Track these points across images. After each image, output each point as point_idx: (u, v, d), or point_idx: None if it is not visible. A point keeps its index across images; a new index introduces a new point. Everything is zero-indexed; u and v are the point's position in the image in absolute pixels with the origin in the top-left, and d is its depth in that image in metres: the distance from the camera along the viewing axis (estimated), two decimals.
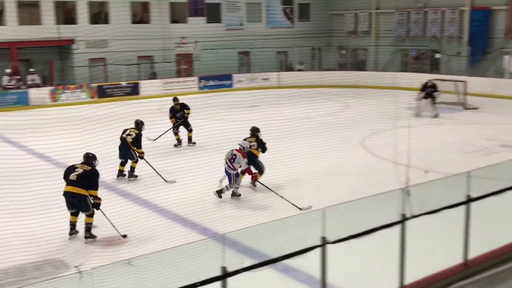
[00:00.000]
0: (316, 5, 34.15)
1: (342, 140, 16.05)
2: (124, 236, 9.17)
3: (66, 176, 9.35)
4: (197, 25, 30.09)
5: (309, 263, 5.88)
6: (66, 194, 9.19)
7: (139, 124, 13.11)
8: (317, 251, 5.77)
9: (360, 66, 32.85)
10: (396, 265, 6.61)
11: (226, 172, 11.12)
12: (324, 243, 5.73)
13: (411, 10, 30.53)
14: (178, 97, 16.83)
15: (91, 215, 9.21)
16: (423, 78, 25.66)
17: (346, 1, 33.29)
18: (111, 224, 9.15)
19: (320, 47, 33.51)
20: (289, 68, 32.79)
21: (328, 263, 5.85)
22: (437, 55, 30.02)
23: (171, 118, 16.08)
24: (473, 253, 7.40)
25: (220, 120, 18.51)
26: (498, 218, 9.03)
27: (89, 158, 9.57)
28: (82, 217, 9.33)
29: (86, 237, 9.21)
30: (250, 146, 11.51)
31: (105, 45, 27.77)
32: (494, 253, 7.68)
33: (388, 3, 31.48)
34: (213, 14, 31.20)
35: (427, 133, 17.67)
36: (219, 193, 11.09)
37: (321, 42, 33.44)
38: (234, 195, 11.27)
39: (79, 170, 9.28)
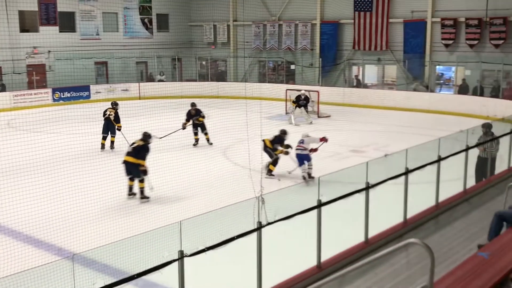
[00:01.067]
0: (174, 16, 34.11)
1: (204, 151, 16.17)
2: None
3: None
4: (49, 34, 28.52)
5: (170, 277, 5.86)
6: (124, 162, 11.72)
7: (114, 104, 17.47)
8: (176, 265, 5.75)
9: (220, 76, 33.42)
10: (255, 272, 6.75)
11: (298, 157, 13.49)
12: (181, 256, 5.75)
13: (267, 22, 31.72)
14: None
15: (141, 181, 11.47)
16: (280, 88, 26.90)
17: (204, 13, 33.64)
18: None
19: (180, 58, 33.56)
20: (150, 79, 32.39)
21: (189, 275, 5.88)
22: (292, 67, 31.50)
23: (186, 121, 18.01)
24: (325, 255, 7.75)
25: (76, 134, 17.74)
26: (347, 220, 9.59)
27: (145, 136, 12.13)
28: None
29: (141, 198, 11.39)
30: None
31: None
32: (344, 254, 8.12)
33: (245, 16, 32.38)
34: (67, 23, 29.85)
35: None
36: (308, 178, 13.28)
37: (181, 52, 33.49)
38: (309, 176, 13.37)
39: (135, 144, 11.90)
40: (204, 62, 34.03)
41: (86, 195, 11.63)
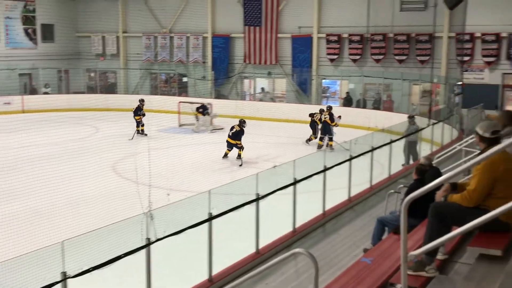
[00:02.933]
0: (60, 26, 32.71)
1: (92, 165, 15.63)
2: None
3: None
4: None
5: None
6: (226, 141, 17.72)
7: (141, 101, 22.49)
8: (59, 286, 5.58)
9: (110, 89, 32.56)
10: None
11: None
12: (64, 278, 5.59)
13: (158, 34, 31.41)
14: None
15: (240, 150, 17.46)
16: (173, 101, 26.68)
17: (92, 24, 32.61)
18: None
19: (67, 70, 32.28)
20: (34, 91, 30.83)
21: None
22: (185, 79, 31.43)
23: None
24: (217, 268, 7.84)
25: None
26: (239, 232, 9.67)
27: (241, 122, 17.88)
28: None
29: (237, 158, 17.40)
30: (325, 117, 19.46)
31: None
32: (236, 266, 8.24)
33: (135, 27, 31.83)
34: None
35: (179, 154, 18.29)
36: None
37: (68, 64, 32.20)
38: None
39: (234, 129, 17.58)
40: (92, 74, 32.99)
41: None
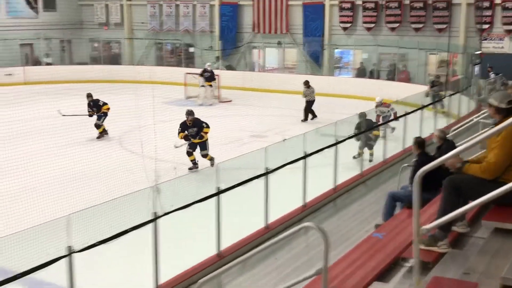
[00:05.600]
0: None
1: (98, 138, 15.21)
2: None
3: None
4: None
5: (61, 275, 5.62)
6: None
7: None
8: (64, 261, 5.48)
9: (114, 59, 31.72)
10: (151, 265, 6.49)
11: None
12: (70, 252, 5.48)
13: (163, 2, 30.45)
14: None
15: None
16: (179, 72, 25.89)
17: None
18: None
19: (69, 40, 31.46)
20: (36, 62, 30.06)
21: (80, 271, 5.68)
22: (191, 49, 30.54)
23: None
24: (226, 243, 7.64)
25: None
26: (247, 207, 9.28)
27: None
28: None
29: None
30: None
31: None
32: (245, 241, 8.04)
33: None
34: None
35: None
36: None
37: (71, 34, 31.38)
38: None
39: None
40: (96, 44, 32.15)
41: None
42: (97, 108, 16.73)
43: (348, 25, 25.75)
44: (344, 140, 11.01)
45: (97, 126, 16.54)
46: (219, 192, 7.37)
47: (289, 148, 10.19)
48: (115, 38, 31.94)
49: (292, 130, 15.91)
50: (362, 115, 12.87)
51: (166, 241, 6.81)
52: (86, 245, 5.74)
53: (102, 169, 12.14)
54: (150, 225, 6.45)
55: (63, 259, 5.49)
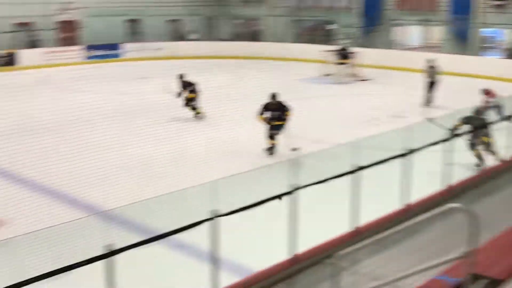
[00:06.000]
0: None
1: (235, 113, 15.75)
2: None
3: None
4: None
5: (202, 237, 5.72)
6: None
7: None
8: (208, 225, 5.61)
9: (255, 36, 32.46)
10: (287, 235, 6.55)
11: None
12: (215, 216, 5.58)
13: None
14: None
15: None
16: (316, 49, 25.90)
17: None
18: None
19: (213, 16, 32.66)
20: (183, 38, 31.79)
21: (220, 236, 5.74)
22: (331, 26, 30.31)
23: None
24: (362, 221, 7.48)
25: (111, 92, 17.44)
26: (384, 186, 9.06)
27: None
28: None
29: None
30: None
31: None
32: (382, 220, 7.83)
33: None
34: None
35: (321, 104, 17.73)
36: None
37: (215, 11, 32.61)
38: None
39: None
40: (239, 21, 33.08)
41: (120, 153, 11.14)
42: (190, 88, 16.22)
43: (503, 2, 23.86)
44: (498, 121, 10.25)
45: (194, 108, 16.21)
46: (358, 169, 7.30)
47: (434, 128, 9.76)
48: (255, 15, 32.65)
49: (436, 111, 15.30)
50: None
51: (302, 214, 6.85)
52: (229, 211, 5.83)
53: (242, 140, 12.75)
54: (288, 196, 6.51)
55: (206, 222, 5.62)
